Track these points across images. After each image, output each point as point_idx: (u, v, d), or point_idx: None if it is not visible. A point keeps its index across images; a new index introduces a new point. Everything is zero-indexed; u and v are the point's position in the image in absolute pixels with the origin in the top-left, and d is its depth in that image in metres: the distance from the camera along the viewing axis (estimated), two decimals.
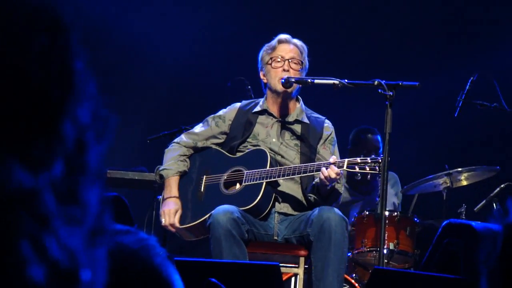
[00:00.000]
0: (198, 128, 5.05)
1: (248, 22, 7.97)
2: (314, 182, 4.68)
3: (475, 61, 7.27)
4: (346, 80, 4.70)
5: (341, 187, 4.75)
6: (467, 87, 5.79)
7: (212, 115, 5.03)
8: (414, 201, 6.60)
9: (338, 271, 4.44)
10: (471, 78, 5.81)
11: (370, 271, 5.23)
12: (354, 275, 5.78)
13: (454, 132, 7.53)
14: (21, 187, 0.71)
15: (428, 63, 7.88)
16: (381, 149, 6.45)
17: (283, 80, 4.76)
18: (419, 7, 7.99)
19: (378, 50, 7.97)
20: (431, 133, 7.84)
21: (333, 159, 4.51)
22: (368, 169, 4.49)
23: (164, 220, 4.82)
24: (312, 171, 4.58)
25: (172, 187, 4.91)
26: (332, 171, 4.43)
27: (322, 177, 4.46)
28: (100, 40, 7.57)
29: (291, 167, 4.68)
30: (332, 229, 4.41)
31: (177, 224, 4.81)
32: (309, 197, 4.75)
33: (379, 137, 6.48)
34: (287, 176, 4.66)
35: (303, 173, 4.63)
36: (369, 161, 4.50)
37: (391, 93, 4.53)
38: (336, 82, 4.69)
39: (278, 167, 4.71)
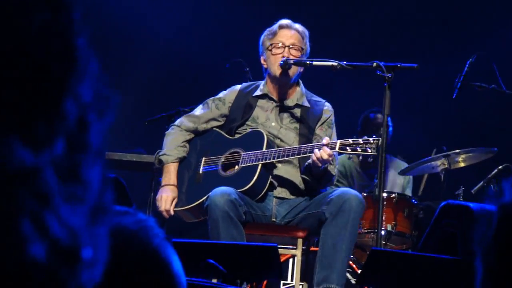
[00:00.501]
0: (198, 111, 5.04)
1: (246, 3, 7.94)
2: (306, 163, 4.69)
3: (473, 42, 7.25)
4: (344, 62, 4.69)
5: (333, 168, 4.75)
6: (466, 68, 5.78)
7: (212, 98, 5.03)
8: (424, 182, 6.62)
9: (349, 250, 4.51)
10: (470, 59, 5.80)
11: (368, 252, 5.24)
12: (351, 256, 5.80)
13: (453, 114, 7.53)
14: (23, 165, 0.71)
15: (426, 45, 7.86)
16: (390, 128, 6.44)
17: (281, 62, 4.75)
18: None
19: (377, 32, 7.95)
20: (429, 114, 7.84)
21: (326, 140, 4.51)
22: (360, 150, 4.50)
23: (160, 206, 4.85)
24: (306, 153, 4.59)
25: (171, 174, 4.92)
26: (324, 152, 4.44)
27: (315, 158, 4.47)
28: (99, 20, 7.55)
29: (285, 148, 4.69)
30: (352, 209, 4.45)
31: (172, 212, 4.83)
32: (303, 178, 4.76)
33: (389, 118, 6.47)
34: (281, 158, 4.67)
35: (297, 155, 4.64)
36: (361, 142, 4.50)
37: (389, 75, 4.53)
38: (335, 64, 4.69)
39: (274, 149, 4.72)
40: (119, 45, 7.95)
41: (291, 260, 5.57)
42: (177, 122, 5.08)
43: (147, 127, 6.38)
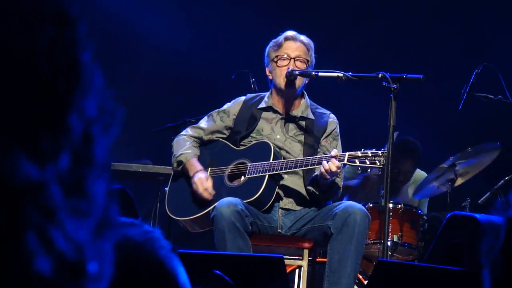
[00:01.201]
0: (203, 123, 5.04)
1: (252, 14, 7.96)
2: (314, 175, 4.69)
3: (479, 53, 7.25)
4: (350, 73, 4.70)
5: (340, 181, 4.75)
6: (472, 79, 5.78)
7: (217, 110, 5.03)
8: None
9: (356, 265, 4.49)
10: (476, 70, 5.79)
11: (374, 263, 5.23)
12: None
13: (459, 125, 7.52)
14: (28, 179, 0.71)
15: (432, 56, 7.86)
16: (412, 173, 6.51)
17: (287, 73, 4.76)
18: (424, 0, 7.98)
19: (383, 42, 7.96)
20: (436, 126, 7.83)
21: (334, 152, 4.51)
22: (368, 163, 4.50)
23: (199, 189, 4.79)
24: (314, 164, 4.59)
25: (195, 165, 4.88)
26: (333, 164, 4.44)
27: (323, 170, 4.47)
28: (105, 32, 7.57)
29: (293, 160, 4.69)
30: (357, 223, 4.44)
31: (211, 190, 4.78)
32: (308, 190, 4.75)
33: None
34: (289, 169, 4.67)
35: (305, 166, 4.63)
36: (370, 154, 4.51)
37: (395, 86, 4.53)
38: (340, 75, 4.69)
39: (281, 160, 4.72)
40: (127, 56, 7.97)
41: (297, 271, 5.56)
42: (183, 132, 5.09)
43: (154, 138, 6.40)
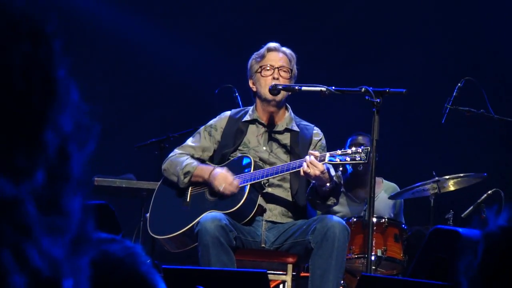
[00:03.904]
0: (191, 141, 4.99)
1: (236, 30, 7.98)
2: (311, 186, 4.69)
3: (461, 67, 7.29)
4: (333, 87, 4.70)
5: (337, 177, 4.70)
6: (454, 93, 5.80)
7: (203, 126, 5.00)
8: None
9: (338, 279, 4.48)
10: (458, 84, 5.83)
11: (358, 277, 5.23)
12: (342, 282, 5.78)
13: (442, 139, 7.56)
14: (2, 196, 0.71)
15: (414, 70, 7.90)
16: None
17: (270, 87, 4.77)
18: (406, 14, 8.02)
19: (365, 56, 7.99)
20: (419, 140, 7.86)
21: (315, 154, 4.51)
22: (349, 159, 4.52)
23: (221, 186, 4.69)
24: (295, 168, 4.58)
25: (206, 167, 4.78)
26: (312, 164, 4.43)
27: (302, 172, 4.45)
28: (88, 47, 7.57)
29: (273, 167, 4.69)
30: (336, 237, 4.43)
31: (235, 181, 4.68)
32: (310, 201, 4.75)
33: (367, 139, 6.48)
34: (271, 175, 4.66)
35: (286, 171, 4.63)
36: (350, 152, 4.52)
37: (378, 100, 4.54)
38: (324, 89, 4.70)
39: (262, 169, 4.71)
40: (109, 72, 7.97)
41: (281, 286, 5.55)
42: (171, 154, 5.00)
43: (137, 153, 6.37)
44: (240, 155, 4.84)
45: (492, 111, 5.77)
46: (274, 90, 4.76)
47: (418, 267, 4.50)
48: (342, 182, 4.81)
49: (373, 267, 5.53)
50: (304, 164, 4.47)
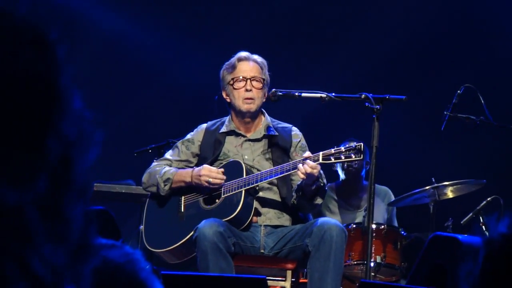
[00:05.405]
0: (169, 154, 4.99)
1: (234, 36, 7.98)
2: (297, 185, 4.67)
3: (461, 74, 7.29)
4: (333, 94, 4.70)
5: (322, 180, 4.68)
6: (454, 100, 5.80)
7: (181, 140, 4.99)
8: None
9: (336, 281, 4.46)
10: (458, 91, 5.83)
11: (357, 284, 5.23)
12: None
13: (441, 146, 7.55)
14: (5, 203, 0.71)
15: (415, 77, 7.90)
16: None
17: (270, 93, 4.76)
18: (406, 22, 8.02)
19: (366, 63, 7.99)
20: (418, 146, 7.86)
21: (307, 154, 4.51)
22: (343, 157, 4.50)
23: (209, 179, 4.66)
24: (289, 170, 4.57)
25: (183, 172, 4.77)
26: (308, 166, 4.42)
27: (301, 174, 4.44)
28: (89, 54, 7.58)
29: (267, 170, 4.68)
30: (333, 240, 4.43)
31: (219, 171, 4.69)
32: (295, 201, 4.72)
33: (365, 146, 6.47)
34: (265, 179, 4.64)
35: (280, 174, 4.61)
36: (343, 149, 4.50)
37: (378, 107, 4.54)
38: (323, 95, 4.70)
39: (255, 174, 4.69)
40: (109, 77, 7.97)
41: None
42: (150, 166, 4.99)
43: (137, 159, 6.37)
44: (230, 160, 4.82)
45: (491, 118, 5.77)
46: (273, 96, 4.76)
47: (417, 274, 4.50)
48: (325, 182, 4.79)
49: (372, 274, 5.52)
50: (300, 165, 4.45)
